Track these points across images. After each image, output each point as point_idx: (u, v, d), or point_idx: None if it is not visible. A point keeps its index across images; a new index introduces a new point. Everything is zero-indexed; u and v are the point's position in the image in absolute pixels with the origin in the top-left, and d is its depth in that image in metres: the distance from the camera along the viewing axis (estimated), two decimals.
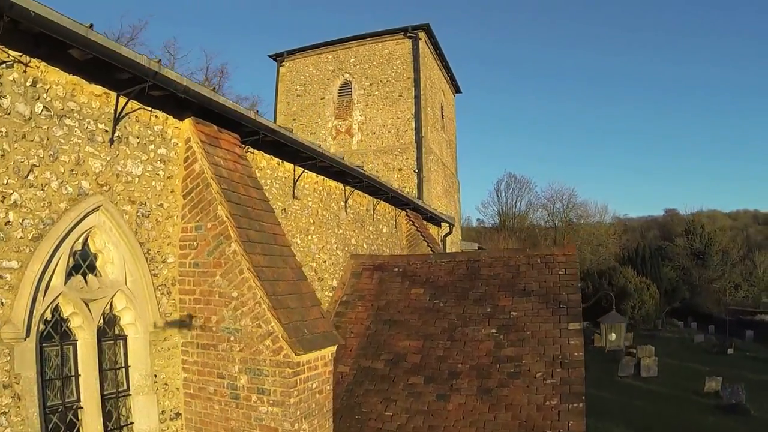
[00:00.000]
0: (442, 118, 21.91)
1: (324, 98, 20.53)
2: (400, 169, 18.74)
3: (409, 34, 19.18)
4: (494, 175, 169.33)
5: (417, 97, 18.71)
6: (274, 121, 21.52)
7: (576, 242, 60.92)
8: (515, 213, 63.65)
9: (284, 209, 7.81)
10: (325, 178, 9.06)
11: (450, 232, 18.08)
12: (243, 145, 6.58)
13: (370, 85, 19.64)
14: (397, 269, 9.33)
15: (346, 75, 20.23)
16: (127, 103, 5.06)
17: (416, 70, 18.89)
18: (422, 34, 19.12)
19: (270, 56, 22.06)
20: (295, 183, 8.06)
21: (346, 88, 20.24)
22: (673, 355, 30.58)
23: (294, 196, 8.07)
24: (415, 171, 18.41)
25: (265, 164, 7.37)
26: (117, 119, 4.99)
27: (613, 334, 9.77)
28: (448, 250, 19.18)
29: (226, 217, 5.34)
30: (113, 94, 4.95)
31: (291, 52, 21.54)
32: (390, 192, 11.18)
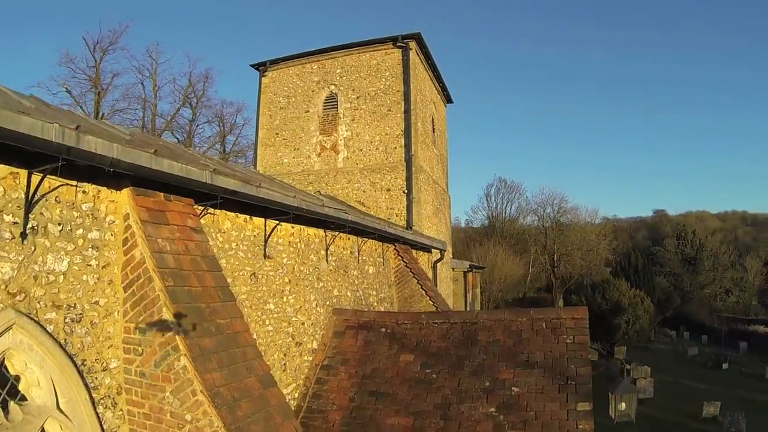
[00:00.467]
0: (433, 131, 20.94)
1: (308, 111, 19.47)
2: (389, 190, 17.73)
3: (399, 44, 18.11)
4: (482, 174, 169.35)
5: (407, 112, 17.68)
6: (256, 136, 20.62)
7: (566, 247, 60.61)
8: (505, 218, 62.88)
9: (254, 273, 6.80)
10: (303, 226, 8.06)
11: (441, 258, 17.16)
12: (199, 211, 5.57)
13: (357, 98, 18.59)
14: (384, 330, 8.35)
15: (332, 87, 19.16)
16: (42, 181, 4.03)
17: (406, 83, 17.85)
18: (413, 44, 18.08)
19: (252, 66, 20.94)
20: (266, 240, 7.05)
21: (331, 101, 19.17)
22: (667, 371, 29.97)
23: (266, 256, 7.06)
24: (404, 192, 17.41)
25: (229, 225, 6.35)
26: (30, 205, 3.96)
27: (623, 404, 8.88)
28: (439, 273, 18.30)
29: (173, 322, 4.33)
30: (23, 173, 3.92)
31: (274, 62, 20.44)
32: (377, 231, 10.19)
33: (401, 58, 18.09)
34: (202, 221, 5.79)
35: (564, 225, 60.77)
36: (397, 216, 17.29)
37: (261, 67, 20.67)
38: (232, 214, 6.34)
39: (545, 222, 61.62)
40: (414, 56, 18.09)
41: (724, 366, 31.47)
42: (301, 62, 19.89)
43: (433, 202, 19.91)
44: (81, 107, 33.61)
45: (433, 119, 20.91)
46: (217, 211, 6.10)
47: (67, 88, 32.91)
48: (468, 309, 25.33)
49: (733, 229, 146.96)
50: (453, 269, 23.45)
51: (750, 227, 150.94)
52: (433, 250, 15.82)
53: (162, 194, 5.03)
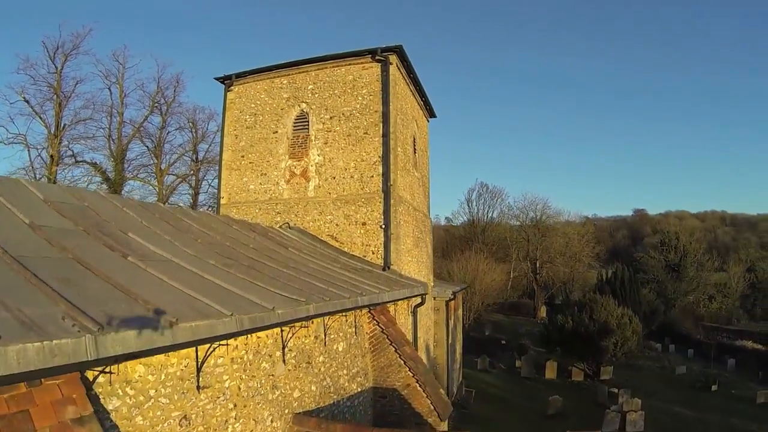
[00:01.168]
0: (415, 152, 19.40)
1: (277, 132, 17.78)
2: (364, 224, 16.15)
3: (378, 57, 16.45)
4: (464, 178, 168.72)
5: (385, 136, 16.08)
6: (220, 158, 18.81)
7: (549, 254, 59.67)
8: (486, 222, 61.68)
9: (185, 416, 5.23)
10: (252, 332, 6.45)
11: (422, 303, 15.68)
12: (92, 376, 3.96)
13: (331, 118, 16.93)
14: None
15: (303, 105, 17.48)
16: None
17: (385, 103, 16.25)
18: (393, 58, 16.43)
19: (217, 79, 19.19)
20: (199, 370, 5.44)
21: (302, 121, 17.49)
22: (656, 395, 29.02)
23: (200, 388, 5.46)
24: (381, 227, 15.85)
25: (142, 370, 4.74)
26: None
27: None
28: (420, 309, 16.79)
29: None
30: None
31: (241, 75, 18.72)
32: (349, 309, 8.63)
33: (380, 73, 16.50)
34: (100, 380, 4.19)
35: (546, 227, 59.78)
36: (373, 253, 15.76)
37: (226, 81, 18.95)
38: (144, 358, 4.71)
39: (527, 228, 60.60)
40: (395, 71, 16.51)
41: (714, 387, 30.57)
42: (270, 76, 18.20)
43: (413, 232, 18.41)
44: (40, 118, 31.51)
45: (414, 138, 19.38)
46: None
47: (24, 98, 30.78)
48: (449, 336, 23.94)
49: (713, 228, 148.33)
50: (435, 298, 21.99)
51: (729, 227, 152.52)
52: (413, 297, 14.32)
53: (23, 384, 3.41)
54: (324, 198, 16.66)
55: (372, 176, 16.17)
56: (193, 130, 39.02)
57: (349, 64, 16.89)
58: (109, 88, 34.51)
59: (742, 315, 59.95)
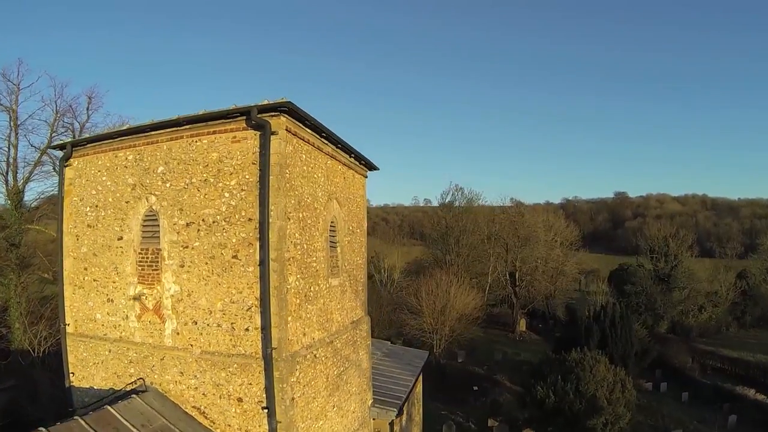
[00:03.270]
0: (336, 246, 13.01)
1: (122, 239, 11.36)
2: (240, 400, 9.88)
3: (255, 122, 9.82)
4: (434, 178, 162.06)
5: (263, 263, 9.58)
6: (60, 266, 12.19)
7: (529, 265, 53.71)
8: (460, 230, 55.34)
9: None
10: None
11: None
12: None
13: (187, 225, 10.44)
14: None
15: (152, 198, 10.97)
16: None
17: (263, 203, 9.59)
18: (281, 121, 9.78)
19: (52, 147, 12.94)
20: None
21: (152, 225, 11.03)
22: None
23: None
24: (264, 409, 9.60)
25: None
26: None
27: None
28: None
29: None
30: None
31: (79, 144, 12.27)
32: None
33: (259, 148, 9.92)
34: None
35: (526, 236, 53.64)
36: None
37: (63, 150, 12.51)
38: None
39: (506, 234, 54.38)
40: (282, 144, 9.91)
41: None
42: (113, 146, 11.66)
43: (330, 386, 12.12)
44: None
45: (334, 225, 12.96)
46: None
47: None
48: None
49: (694, 213, 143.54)
50: (374, 419, 15.88)
51: (710, 212, 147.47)
52: None
53: None
54: (185, 351, 10.36)
55: (247, 328, 9.82)
56: None
57: (213, 132, 10.33)
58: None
59: (731, 323, 55.26)
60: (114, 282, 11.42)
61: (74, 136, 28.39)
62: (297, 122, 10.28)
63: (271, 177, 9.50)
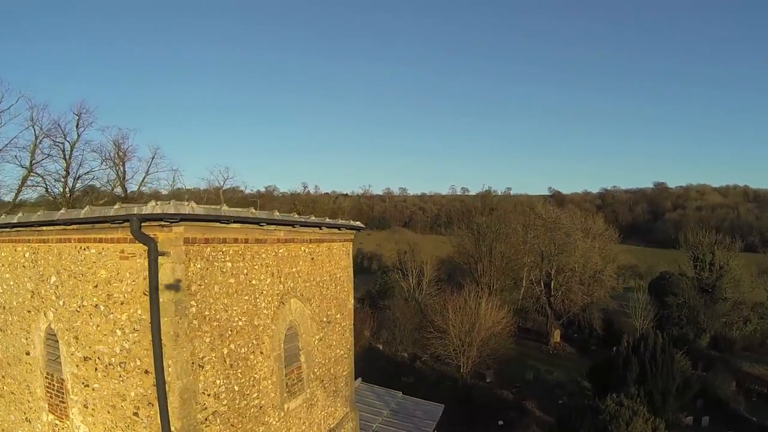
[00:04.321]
0: (300, 361, 9.92)
1: (29, 354, 8.97)
2: None
3: (137, 237, 6.63)
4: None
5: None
6: None
7: (565, 273, 49.50)
8: (494, 237, 51.35)
9: None
10: None
11: None
12: None
13: (85, 359, 7.68)
14: None
15: (50, 314, 8.25)
16: None
17: (156, 347, 6.50)
18: (177, 230, 6.71)
19: None
20: None
21: (53, 346, 8.47)
22: None
23: None
24: None
25: None
26: None
27: None
28: None
29: None
30: None
31: None
32: None
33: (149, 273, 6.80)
34: None
35: (563, 244, 49.14)
36: None
37: None
38: None
39: (542, 241, 49.98)
40: (177, 268, 6.87)
41: None
42: (11, 237, 8.91)
43: None
44: None
45: (294, 325, 9.84)
46: None
47: None
48: None
49: (735, 205, 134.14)
50: None
51: (752, 204, 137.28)
52: None
53: None
54: None
55: None
56: (118, 166, 29.95)
57: (100, 241, 7.37)
58: None
59: None
60: (29, 402, 8.91)
61: (65, 157, 26.50)
62: (209, 223, 7.15)
63: (163, 320, 6.48)
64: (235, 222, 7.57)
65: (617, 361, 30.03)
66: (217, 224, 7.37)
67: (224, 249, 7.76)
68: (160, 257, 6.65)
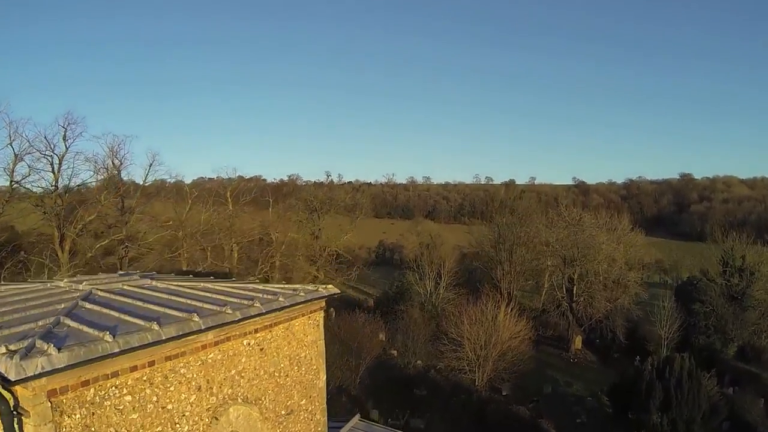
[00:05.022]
0: (281, 419, 8.07)
1: None
2: None
3: None
4: None
5: None
6: None
7: (588, 278, 46.69)
8: (514, 239, 48.75)
9: None
10: None
11: None
12: None
13: None
14: None
15: None
16: None
17: None
18: (34, 386, 4.97)
19: None
20: None
21: None
22: None
23: None
24: None
25: None
26: None
27: None
28: None
29: None
30: None
31: None
32: None
33: None
34: None
35: (587, 249, 46.17)
36: None
37: None
38: None
39: (565, 245, 47.10)
40: None
41: None
42: None
43: None
44: None
45: None
46: None
47: None
48: None
49: (763, 198, 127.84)
50: None
51: None
52: None
53: None
54: None
55: None
56: (113, 173, 28.58)
57: None
58: None
59: None
60: None
61: (53, 170, 25.31)
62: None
63: None
64: (122, 353, 5.63)
65: (640, 385, 27.61)
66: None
67: (118, 383, 5.85)
68: (23, 418, 4.78)
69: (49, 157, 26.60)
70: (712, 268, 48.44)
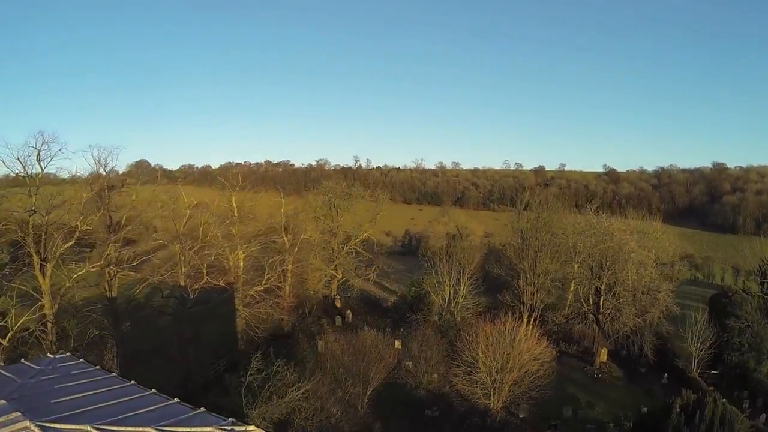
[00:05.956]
0: None
1: None
2: None
3: None
4: None
5: None
6: None
7: (617, 288, 42.94)
8: (539, 245, 45.06)
9: None
10: None
11: None
12: None
13: None
14: None
15: None
16: None
17: None
18: None
19: None
20: None
21: None
22: None
23: None
24: None
25: None
26: None
27: None
28: None
29: None
30: None
31: None
32: None
33: None
34: None
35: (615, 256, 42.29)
36: None
37: None
38: None
39: (592, 252, 43.27)
40: None
41: None
42: None
43: None
44: None
45: None
46: None
47: None
48: None
49: None
50: None
51: None
52: None
53: None
54: None
55: None
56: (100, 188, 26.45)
57: None
58: None
59: None
60: None
61: (30, 194, 23.25)
62: None
63: None
64: None
65: (667, 427, 24.27)
66: None
67: None
68: None
69: (23, 178, 24.65)
70: (745, 263, 44.02)
